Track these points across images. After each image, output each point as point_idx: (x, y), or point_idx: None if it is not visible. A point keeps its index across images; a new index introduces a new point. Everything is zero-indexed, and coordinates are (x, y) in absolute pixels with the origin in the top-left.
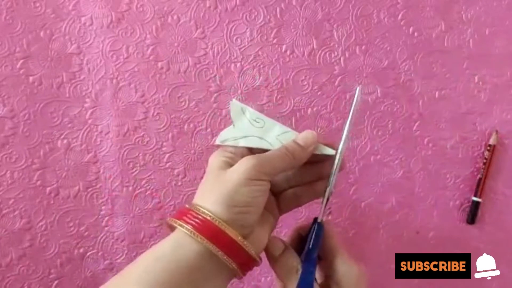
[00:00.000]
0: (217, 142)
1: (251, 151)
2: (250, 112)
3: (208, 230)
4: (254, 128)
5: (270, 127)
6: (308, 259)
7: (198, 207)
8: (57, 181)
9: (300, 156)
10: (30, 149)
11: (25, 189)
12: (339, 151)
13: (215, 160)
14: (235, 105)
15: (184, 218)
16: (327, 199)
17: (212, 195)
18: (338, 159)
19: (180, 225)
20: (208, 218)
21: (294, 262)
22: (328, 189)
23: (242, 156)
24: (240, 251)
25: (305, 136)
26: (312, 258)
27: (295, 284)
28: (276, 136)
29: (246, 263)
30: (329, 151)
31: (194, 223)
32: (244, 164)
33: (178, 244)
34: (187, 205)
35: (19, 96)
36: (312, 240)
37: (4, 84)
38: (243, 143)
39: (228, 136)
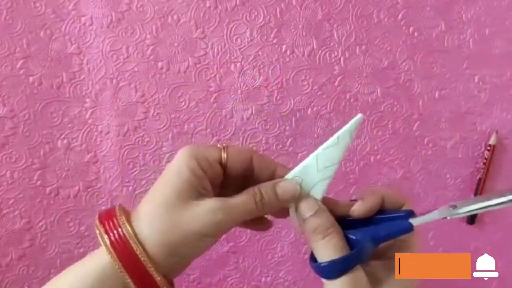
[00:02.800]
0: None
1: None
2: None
3: (134, 268)
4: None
5: (307, 170)
6: (362, 250)
7: (136, 236)
8: (57, 181)
9: (270, 208)
10: (30, 149)
11: (25, 189)
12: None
13: (183, 173)
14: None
15: (116, 245)
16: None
17: (157, 233)
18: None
19: (108, 251)
20: (139, 255)
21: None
22: (463, 210)
23: (213, 173)
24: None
25: (287, 187)
26: (366, 248)
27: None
28: (316, 171)
29: None
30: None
31: (122, 252)
32: (207, 215)
33: (102, 279)
34: (124, 230)
35: (19, 96)
36: (389, 233)
37: (4, 84)
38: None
39: None
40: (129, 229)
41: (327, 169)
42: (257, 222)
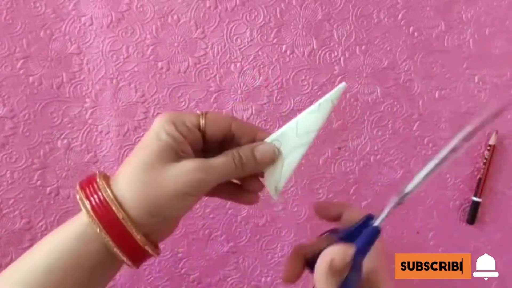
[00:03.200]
0: (275, 197)
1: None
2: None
3: (114, 229)
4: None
5: (286, 134)
6: (356, 266)
7: (115, 198)
8: (57, 181)
9: (249, 170)
10: (30, 149)
11: (25, 189)
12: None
13: (161, 137)
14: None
15: (91, 199)
16: (396, 205)
17: (136, 192)
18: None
19: (89, 215)
20: (120, 218)
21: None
22: (400, 197)
23: (192, 139)
24: (141, 253)
25: (265, 150)
26: (359, 264)
27: None
28: (295, 136)
29: (144, 259)
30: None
31: (102, 215)
32: (187, 174)
33: (83, 239)
34: (105, 193)
35: (19, 96)
36: (364, 244)
37: (4, 84)
38: (289, 167)
39: (275, 180)
40: (109, 192)
41: (306, 135)
42: (242, 193)
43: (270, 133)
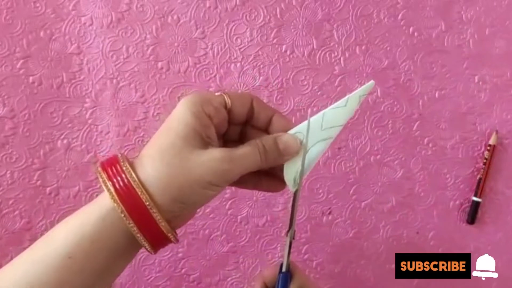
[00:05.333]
0: (293, 189)
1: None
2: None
3: (138, 214)
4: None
5: (311, 126)
6: None
7: (141, 182)
8: (57, 181)
9: (273, 161)
10: (30, 149)
11: (25, 189)
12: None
13: (187, 120)
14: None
15: (120, 192)
16: (290, 245)
17: (162, 177)
18: (299, 184)
19: (113, 198)
20: (146, 203)
21: None
22: (289, 234)
23: (220, 120)
24: (163, 239)
25: (289, 141)
26: None
27: None
28: (320, 129)
29: (164, 245)
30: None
31: (126, 199)
32: (213, 163)
33: (103, 223)
34: (129, 176)
35: (19, 96)
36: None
37: (4, 84)
38: (310, 160)
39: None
40: (134, 175)
41: (331, 130)
42: (267, 181)
43: (286, 118)
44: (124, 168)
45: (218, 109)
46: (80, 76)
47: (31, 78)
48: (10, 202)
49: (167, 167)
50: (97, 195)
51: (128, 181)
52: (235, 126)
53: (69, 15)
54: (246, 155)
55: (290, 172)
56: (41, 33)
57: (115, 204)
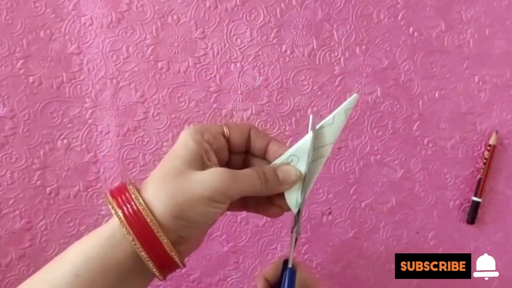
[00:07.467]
0: (295, 210)
1: (228, 143)
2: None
3: (144, 236)
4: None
5: (303, 148)
6: None
7: (146, 205)
8: (57, 181)
9: (272, 189)
10: (30, 149)
11: (25, 189)
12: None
13: (189, 145)
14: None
15: (124, 208)
16: (296, 241)
17: (164, 196)
18: (301, 204)
19: (118, 217)
20: (148, 221)
21: None
22: (295, 230)
23: (219, 146)
24: (168, 260)
25: (288, 171)
26: None
27: None
28: (312, 149)
29: (170, 269)
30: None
31: (134, 223)
32: (214, 180)
33: (110, 244)
34: (138, 203)
35: (19, 96)
36: (288, 286)
37: (4, 84)
38: (308, 180)
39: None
40: (141, 200)
41: (323, 148)
42: (267, 206)
43: (281, 143)
44: (133, 196)
45: (216, 136)
46: (80, 76)
47: (31, 78)
48: (10, 202)
49: (168, 187)
50: (97, 195)
51: (137, 207)
52: (237, 155)
53: (69, 15)
54: (247, 175)
55: (292, 194)
56: (41, 33)
57: (124, 229)
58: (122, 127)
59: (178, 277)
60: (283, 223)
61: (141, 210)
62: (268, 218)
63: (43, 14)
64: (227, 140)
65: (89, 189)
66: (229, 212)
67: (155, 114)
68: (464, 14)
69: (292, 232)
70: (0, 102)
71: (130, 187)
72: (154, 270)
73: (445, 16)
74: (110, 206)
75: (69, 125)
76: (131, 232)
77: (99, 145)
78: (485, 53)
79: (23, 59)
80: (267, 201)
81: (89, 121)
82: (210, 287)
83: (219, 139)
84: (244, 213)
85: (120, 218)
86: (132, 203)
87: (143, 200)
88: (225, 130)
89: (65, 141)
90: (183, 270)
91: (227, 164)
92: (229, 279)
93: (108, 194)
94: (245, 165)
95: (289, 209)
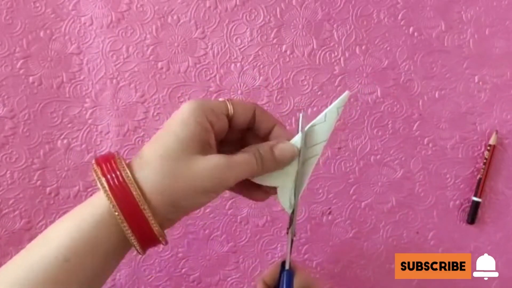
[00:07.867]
0: (289, 211)
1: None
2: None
3: (131, 212)
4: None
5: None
6: None
7: (136, 182)
8: (57, 181)
9: (269, 168)
10: (30, 149)
11: (25, 189)
12: (298, 197)
13: (190, 125)
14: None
15: (115, 189)
16: (292, 243)
17: (160, 180)
18: (295, 204)
19: (106, 194)
20: (137, 200)
21: None
22: (290, 231)
23: (220, 127)
24: (151, 236)
25: (284, 149)
26: None
27: None
28: (305, 148)
29: (152, 245)
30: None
31: (121, 196)
32: (214, 171)
33: (101, 224)
34: (124, 174)
35: (19, 96)
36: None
37: (4, 84)
38: (301, 179)
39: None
40: (129, 173)
41: (316, 147)
42: (253, 189)
43: (284, 127)
44: (119, 166)
45: (220, 117)
46: (80, 76)
47: (31, 78)
48: (10, 202)
49: (165, 173)
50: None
51: (123, 178)
52: (235, 131)
53: (69, 15)
54: (244, 162)
55: (284, 194)
56: (41, 33)
57: (108, 201)
58: (122, 127)
59: (178, 277)
60: (283, 223)
61: (129, 185)
62: (268, 218)
63: (43, 14)
64: (230, 118)
65: (89, 189)
66: (229, 212)
67: (155, 114)
68: (464, 14)
69: (287, 233)
70: (0, 102)
71: (118, 158)
72: (138, 248)
73: (445, 16)
74: (94, 174)
75: (69, 125)
76: (117, 208)
77: (99, 145)
78: (485, 53)
79: (23, 59)
80: (253, 184)
81: (89, 121)
82: (210, 287)
83: (222, 119)
84: (244, 213)
85: (105, 189)
86: (118, 174)
87: (134, 176)
88: (229, 108)
89: (65, 141)
90: (183, 270)
91: (223, 140)
92: (229, 279)
93: (94, 161)
94: (241, 140)
95: (274, 193)
